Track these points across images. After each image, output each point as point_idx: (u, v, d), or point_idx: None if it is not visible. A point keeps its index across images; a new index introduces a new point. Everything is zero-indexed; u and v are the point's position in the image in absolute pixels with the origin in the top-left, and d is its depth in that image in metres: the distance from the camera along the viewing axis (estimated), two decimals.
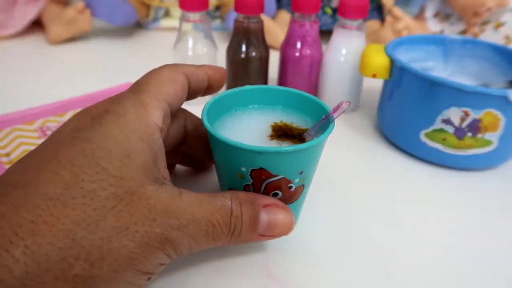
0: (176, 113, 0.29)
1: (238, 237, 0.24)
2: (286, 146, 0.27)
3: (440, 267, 0.28)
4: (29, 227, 0.18)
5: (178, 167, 0.36)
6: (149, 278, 0.22)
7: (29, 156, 0.22)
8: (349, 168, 0.39)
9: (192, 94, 0.29)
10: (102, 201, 0.20)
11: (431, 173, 0.38)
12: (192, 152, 0.33)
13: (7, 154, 0.37)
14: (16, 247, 0.18)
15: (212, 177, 0.36)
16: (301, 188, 0.27)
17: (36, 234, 0.18)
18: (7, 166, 0.31)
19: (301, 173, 0.26)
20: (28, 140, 0.39)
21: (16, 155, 0.37)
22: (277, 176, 0.25)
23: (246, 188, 0.26)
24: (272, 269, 0.28)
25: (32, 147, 0.23)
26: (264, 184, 0.26)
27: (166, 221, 0.21)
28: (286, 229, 0.26)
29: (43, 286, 0.18)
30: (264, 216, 0.25)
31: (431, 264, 0.29)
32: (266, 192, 0.26)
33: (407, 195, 0.35)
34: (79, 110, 0.43)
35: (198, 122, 0.32)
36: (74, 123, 0.23)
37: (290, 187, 0.26)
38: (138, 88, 0.25)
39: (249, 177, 0.25)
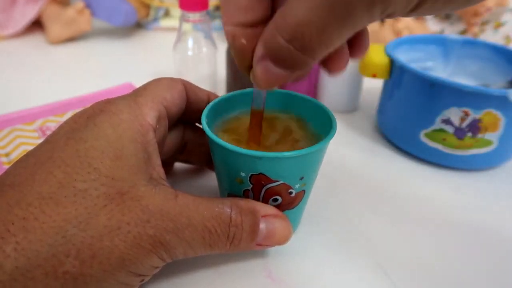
0: (175, 122, 0.29)
1: (237, 245, 0.24)
2: (285, 151, 0.27)
3: (440, 267, 0.28)
4: (21, 224, 0.19)
5: (178, 166, 0.36)
6: (142, 280, 0.22)
7: (26, 157, 0.22)
8: (349, 168, 0.39)
9: (190, 111, 0.29)
10: (93, 200, 0.20)
11: (431, 173, 0.38)
12: (192, 160, 0.33)
13: (7, 154, 0.37)
14: (8, 243, 0.18)
15: (213, 178, 0.36)
16: (302, 193, 0.27)
17: (27, 230, 0.19)
18: (7, 166, 0.31)
19: (301, 178, 0.25)
20: (28, 140, 0.39)
21: (16, 155, 0.37)
22: (277, 181, 0.25)
23: (245, 193, 0.26)
24: (272, 269, 0.28)
25: (32, 147, 0.23)
26: (263, 190, 0.25)
27: (160, 223, 0.21)
28: (283, 239, 0.25)
29: (33, 281, 0.19)
30: (262, 225, 0.24)
31: (431, 264, 0.29)
32: (265, 198, 0.26)
33: (407, 195, 0.35)
34: (79, 110, 0.43)
35: (198, 130, 0.32)
36: (70, 124, 0.23)
37: (290, 192, 0.26)
38: (135, 92, 0.26)
39: (249, 182, 0.25)
